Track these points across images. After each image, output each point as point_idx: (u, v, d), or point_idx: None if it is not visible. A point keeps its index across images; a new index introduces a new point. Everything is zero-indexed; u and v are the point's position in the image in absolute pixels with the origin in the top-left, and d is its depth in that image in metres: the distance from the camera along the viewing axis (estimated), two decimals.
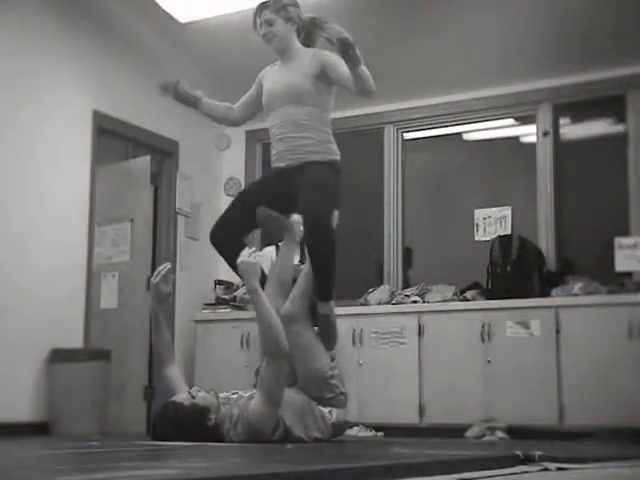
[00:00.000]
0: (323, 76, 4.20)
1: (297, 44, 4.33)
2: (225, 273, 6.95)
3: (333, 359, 4.22)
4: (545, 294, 6.11)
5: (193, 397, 3.83)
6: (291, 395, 4.03)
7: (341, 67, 4.02)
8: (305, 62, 4.24)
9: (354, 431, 5.95)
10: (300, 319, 4.14)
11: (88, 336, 6.21)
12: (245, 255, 3.91)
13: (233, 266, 4.08)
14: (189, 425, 3.75)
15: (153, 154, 7.01)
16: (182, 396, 3.86)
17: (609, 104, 6.62)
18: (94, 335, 6.29)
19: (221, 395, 3.94)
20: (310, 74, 4.21)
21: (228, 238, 4.27)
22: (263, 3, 4.28)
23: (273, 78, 4.35)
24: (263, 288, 4.05)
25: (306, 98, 4.21)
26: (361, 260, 7.07)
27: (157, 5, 6.20)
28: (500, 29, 6.21)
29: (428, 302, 6.43)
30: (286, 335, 3.88)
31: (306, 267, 4.27)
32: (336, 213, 4.23)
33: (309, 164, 4.21)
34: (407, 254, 7.18)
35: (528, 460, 2.88)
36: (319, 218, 4.05)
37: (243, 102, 4.56)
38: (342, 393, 4.19)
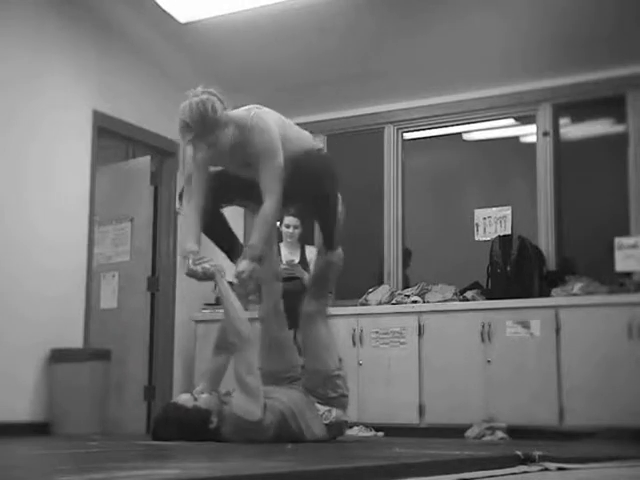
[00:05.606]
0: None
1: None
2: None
3: (340, 360, 4.24)
4: (545, 294, 6.11)
5: (196, 399, 3.83)
6: (290, 394, 4.04)
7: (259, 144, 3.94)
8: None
9: (354, 431, 5.95)
10: (318, 317, 4.23)
11: (88, 336, 6.20)
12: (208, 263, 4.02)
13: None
14: (191, 427, 3.75)
15: (153, 154, 7.01)
16: (185, 397, 3.87)
17: (609, 104, 6.62)
18: (94, 335, 6.29)
19: (223, 391, 3.95)
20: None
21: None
22: (195, 135, 3.89)
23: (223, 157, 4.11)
24: None
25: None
26: (361, 260, 7.07)
27: (157, 5, 6.20)
28: (500, 29, 6.20)
29: (428, 302, 6.43)
30: (305, 332, 4.16)
31: (319, 262, 4.38)
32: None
33: None
34: (406, 255, 7.18)
35: (528, 460, 2.89)
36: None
37: (205, 189, 4.15)
38: (344, 395, 4.21)
